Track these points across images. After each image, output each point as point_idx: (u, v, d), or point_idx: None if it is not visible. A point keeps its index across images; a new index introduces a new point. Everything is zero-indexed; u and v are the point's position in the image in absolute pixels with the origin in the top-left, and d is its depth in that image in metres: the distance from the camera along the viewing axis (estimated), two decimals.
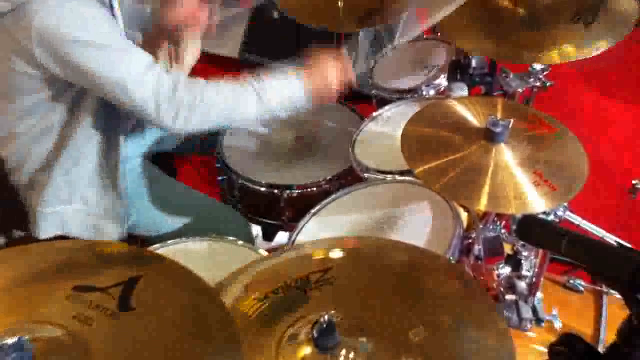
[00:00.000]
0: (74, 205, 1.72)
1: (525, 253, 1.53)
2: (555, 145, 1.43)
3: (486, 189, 1.30)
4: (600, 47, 1.65)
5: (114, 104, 1.53)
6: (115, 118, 1.67)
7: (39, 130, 1.61)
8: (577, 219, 1.74)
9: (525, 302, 1.50)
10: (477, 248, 1.51)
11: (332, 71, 1.63)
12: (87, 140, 1.63)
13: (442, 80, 2.07)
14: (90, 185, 1.72)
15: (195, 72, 2.96)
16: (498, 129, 1.36)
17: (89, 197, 1.72)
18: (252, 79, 1.56)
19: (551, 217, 1.42)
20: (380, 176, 1.74)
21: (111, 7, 1.54)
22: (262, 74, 1.58)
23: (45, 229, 1.73)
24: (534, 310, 1.49)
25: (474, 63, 1.89)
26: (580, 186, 1.32)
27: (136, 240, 1.86)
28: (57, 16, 1.39)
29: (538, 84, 1.86)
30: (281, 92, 1.57)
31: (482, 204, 1.28)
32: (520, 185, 1.30)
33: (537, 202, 1.27)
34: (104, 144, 1.68)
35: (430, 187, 1.52)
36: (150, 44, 1.77)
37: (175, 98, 1.48)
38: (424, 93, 2.08)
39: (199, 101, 1.50)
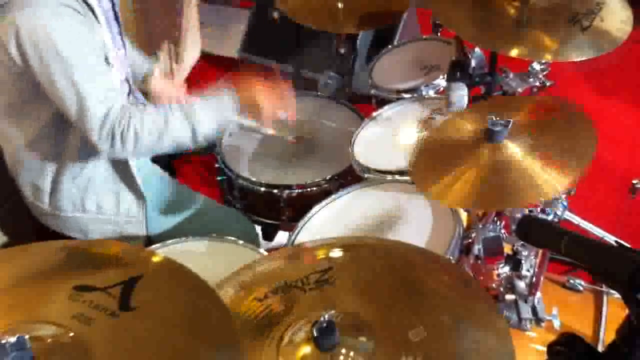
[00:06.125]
0: (89, 214, 1.73)
1: (525, 253, 1.53)
2: (559, 124, 1.40)
3: (499, 189, 1.29)
4: (589, 54, 1.65)
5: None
6: None
7: (34, 135, 1.61)
8: (577, 219, 1.74)
9: (525, 302, 1.50)
10: (477, 248, 1.51)
11: (259, 91, 1.66)
12: (85, 145, 1.63)
13: (442, 81, 2.07)
14: (105, 192, 1.72)
15: (195, 72, 2.98)
16: (498, 128, 1.35)
17: (104, 204, 1.73)
18: (180, 105, 1.59)
19: (551, 217, 1.42)
20: (380, 176, 1.74)
21: (94, 14, 1.52)
22: (192, 98, 1.64)
23: (68, 230, 1.76)
24: (534, 310, 1.49)
25: (473, 63, 1.88)
26: (591, 156, 1.29)
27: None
28: (42, 18, 1.41)
29: (538, 84, 1.86)
30: (211, 111, 1.60)
31: (495, 205, 1.26)
32: (531, 177, 1.28)
33: (551, 183, 1.25)
34: None
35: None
36: None
37: (118, 129, 1.51)
38: (424, 93, 2.08)
39: (135, 134, 1.53)
